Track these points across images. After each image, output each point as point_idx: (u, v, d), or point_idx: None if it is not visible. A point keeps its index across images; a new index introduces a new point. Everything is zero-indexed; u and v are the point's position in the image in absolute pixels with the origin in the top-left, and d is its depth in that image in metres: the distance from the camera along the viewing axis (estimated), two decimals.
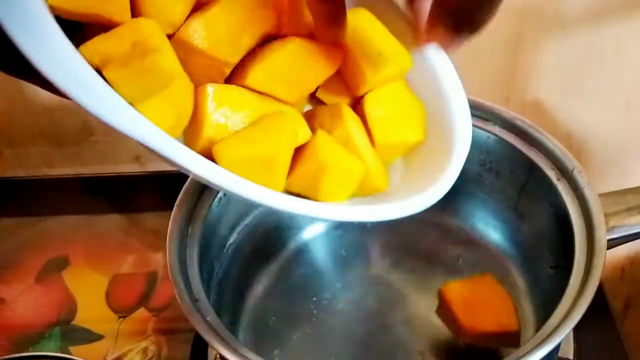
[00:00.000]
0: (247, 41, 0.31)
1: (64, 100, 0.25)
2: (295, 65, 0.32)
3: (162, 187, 0.61)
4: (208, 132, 0.30)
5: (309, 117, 0.34)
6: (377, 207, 0.32)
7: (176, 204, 0.44)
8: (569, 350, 0.46)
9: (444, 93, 0.35)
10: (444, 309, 0.46)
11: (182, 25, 0.30)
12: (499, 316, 0.44)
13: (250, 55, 0.32)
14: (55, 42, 0.25)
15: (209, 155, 0.30)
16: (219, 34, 0.30)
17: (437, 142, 0.35)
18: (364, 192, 0.34)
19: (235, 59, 0.31)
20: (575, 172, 0.44)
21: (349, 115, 0.34)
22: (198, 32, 0.30)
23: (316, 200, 0.32)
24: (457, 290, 0.45)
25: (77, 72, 0.26)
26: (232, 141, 0.30)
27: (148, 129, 0.27)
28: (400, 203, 0.33)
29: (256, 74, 0.31)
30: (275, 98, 0.32)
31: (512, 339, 0.43)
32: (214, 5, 0.30)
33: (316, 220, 0.55)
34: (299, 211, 0.31)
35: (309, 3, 0.30)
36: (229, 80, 0.32)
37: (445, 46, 0.29)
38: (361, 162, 0.33)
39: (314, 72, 0.32)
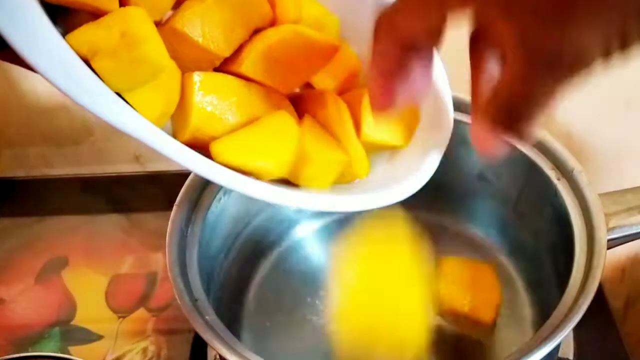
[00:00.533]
0: (241, 35, 0.31)
1: (63, 100, 0.25)
2: (290, 54, 0.31)
3: (162, 187, 0.61)
4: (195, 120, 0.29)
5: (295, 100, 0.34)
6: (353, 198, 0.33)
7: (176, 204, 0.44)
8: (569, 350, 0.46)
9: (436, 96, 0.36)
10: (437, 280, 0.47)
11: (173, 12, 0.30)
12: (476, 302, 0.44)
13: (245, 42, 0.32)
14: (41, 31, 0.25)
15: (196, 142, 0.30)
16: (214, 26, 0.30)
17: (421, 136, 0.36)
18: (345, 179, 0.34)
19: (227, 53, 0.31)
20: (575, 172, 0.44)
21: (334, 102, 0.34)
22: (193, 23, 0.29)
23: (297, 184, 0.33)
24: (453, 265, 0.46)
25: (64, 62, 0.25)
26: (233, 145, 0.30)
27: (135, 119, 0.27)
28: (378, 193, 0.33)
29: (251, 62, 0.31)
30: (268, 87, 0.32)
31: (483, 329, 0.44)
32: None
33: (304, 210, 0.55)
34: (278, 201, 0.31)
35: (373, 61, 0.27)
36: (221, 64, 0.31)
37: (484, 145, 0.26)
38: (343, 153, 0.33)
39: (309, 62, 0.32)
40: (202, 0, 0.30)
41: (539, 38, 0.21)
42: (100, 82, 0.27)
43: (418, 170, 0.35)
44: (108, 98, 0.26)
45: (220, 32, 0.30)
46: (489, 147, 0.25)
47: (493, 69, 0.27)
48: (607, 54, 0.20)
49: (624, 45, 0.20)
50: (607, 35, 0.20)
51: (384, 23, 0.25)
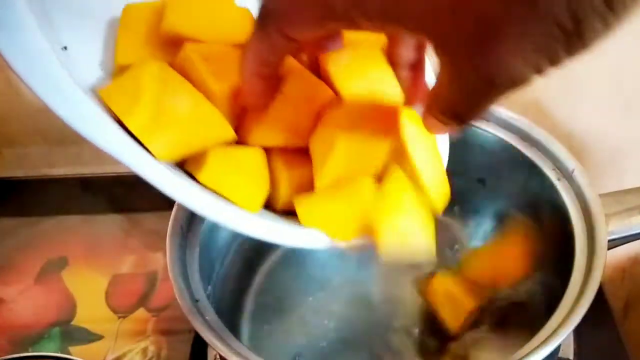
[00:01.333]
0: (307, 122, 0.32)
1: None
2: (356, 157, 0.31)
3: None
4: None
5: None
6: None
7: (176, 203, 0.44)
8: (569, 351, 0.46)
9: None
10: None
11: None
12: (497, 276, 0.46)
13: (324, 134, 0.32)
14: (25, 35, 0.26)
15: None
16: (283, 128, 0.32)
17: None
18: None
19: (301, 143, 0.32)
20: (575, 172, 0.44)
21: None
22: (264, 133, 0.32)
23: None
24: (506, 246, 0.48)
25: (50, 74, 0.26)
26: (317, 212, 0.32)
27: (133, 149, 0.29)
28: None
29: (325, 179, 0.31)
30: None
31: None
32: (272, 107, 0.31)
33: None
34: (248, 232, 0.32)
35: None
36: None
37: (433, 130, 0.28)
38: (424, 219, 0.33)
39: (376, 152, 0.32)
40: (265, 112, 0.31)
41: (472, 69, 0.22)
42: (96, 106, 0.28)
43: None
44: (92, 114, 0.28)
45: (289, 129, 0.32)
46: (438, 131, 0.28)
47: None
48: (539, 71, 0.21)
49: (553, 63, 0.21)
50: (535, 57, 0.21)
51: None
